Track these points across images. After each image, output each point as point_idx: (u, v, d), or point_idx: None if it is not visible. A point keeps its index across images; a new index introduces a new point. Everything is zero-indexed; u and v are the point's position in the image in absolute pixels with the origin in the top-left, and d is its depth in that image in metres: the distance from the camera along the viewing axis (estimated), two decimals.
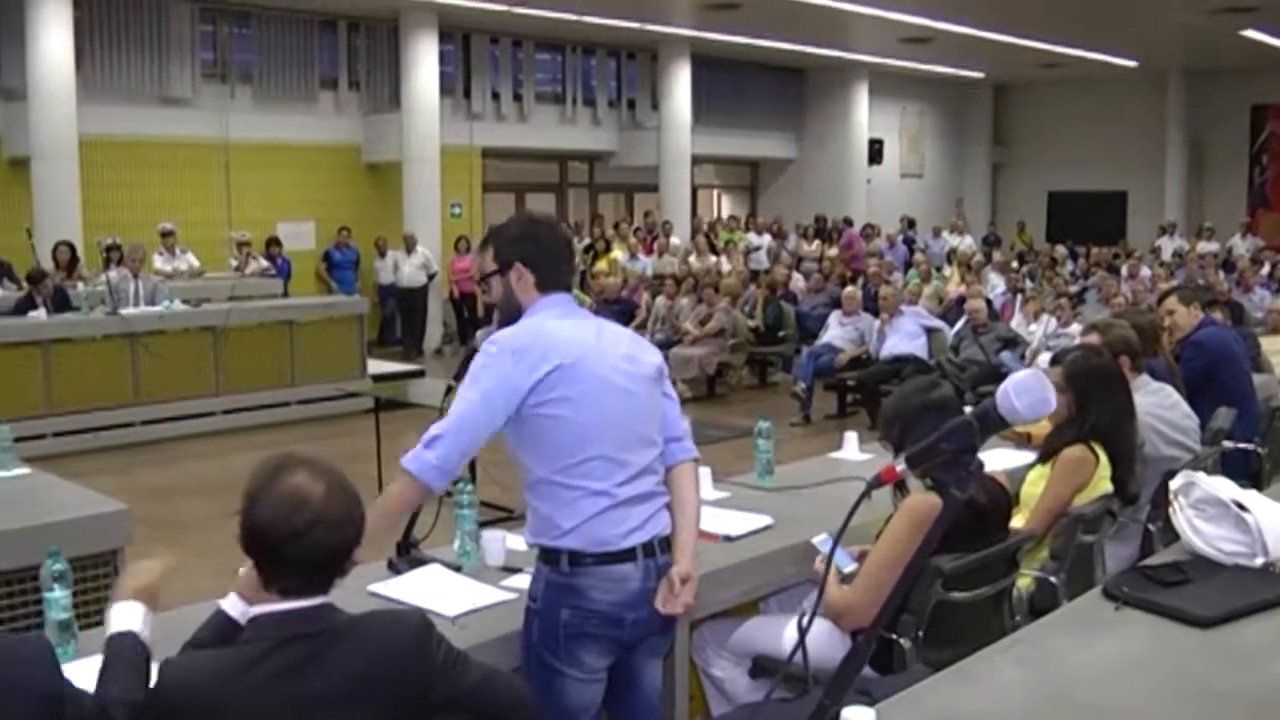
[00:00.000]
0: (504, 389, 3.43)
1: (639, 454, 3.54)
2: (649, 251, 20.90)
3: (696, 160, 24.33)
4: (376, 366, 14.66)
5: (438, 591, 3.89)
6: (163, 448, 12.13)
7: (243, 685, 2.58)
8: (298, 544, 2.61)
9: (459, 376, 3.65)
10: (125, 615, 2.83)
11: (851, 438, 5.96)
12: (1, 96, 16.69)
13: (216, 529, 9.41)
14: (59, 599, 3.53)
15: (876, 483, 2.54)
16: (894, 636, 3.82)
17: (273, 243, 18.13)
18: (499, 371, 3.44)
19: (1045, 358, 10.91)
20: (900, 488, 4.03)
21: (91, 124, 16.27)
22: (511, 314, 3.67)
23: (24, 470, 6.03)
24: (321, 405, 13.44)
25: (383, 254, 19.65)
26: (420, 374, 15.36)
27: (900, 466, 2.55)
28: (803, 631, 2.75)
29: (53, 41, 15.82)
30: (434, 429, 3.47)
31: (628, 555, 3.48)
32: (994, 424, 2.50)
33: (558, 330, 3.52)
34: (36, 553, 4.71)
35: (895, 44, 22.93)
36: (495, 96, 22.04)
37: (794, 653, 2.94)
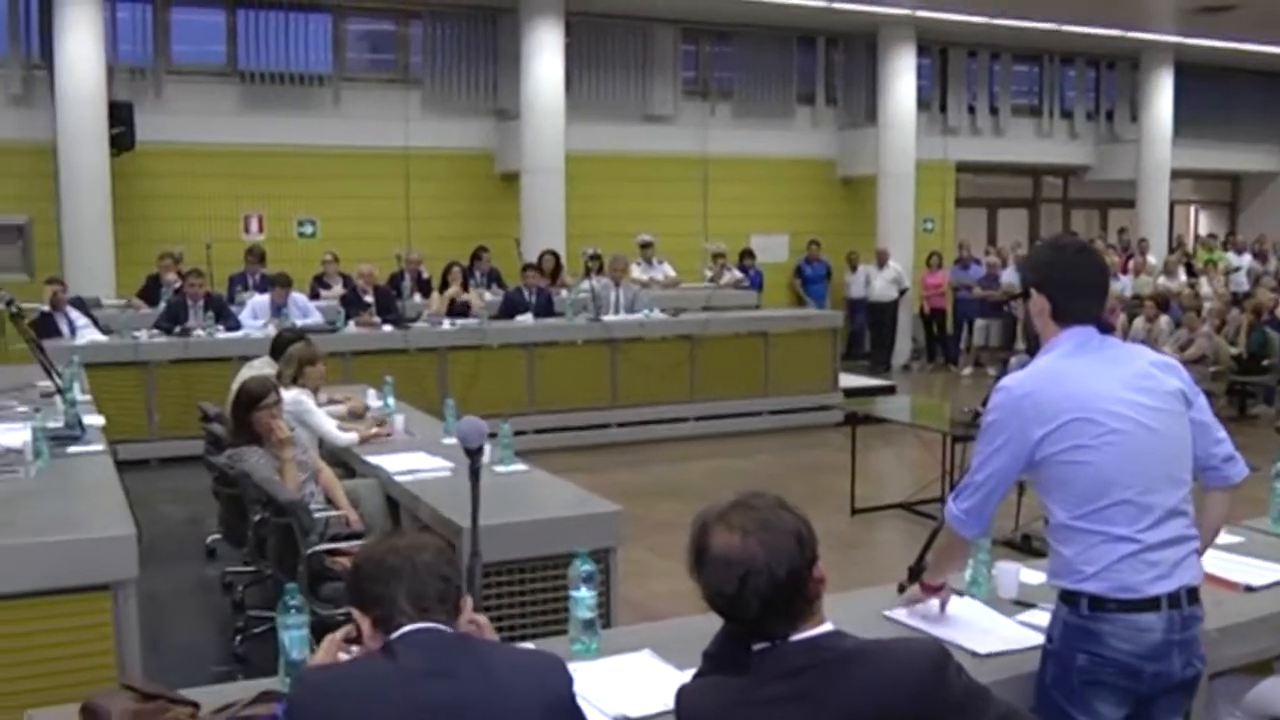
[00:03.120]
0: (1012, 441, 3.32)
1: (1165, 495, 3.28)
2: (1124, 270, 19.95)
3: (1174, 174, 23.02)
4: (846, 380, 14.59)
5: (961, 624, 3.73)
6: (636, 450, 12.50)
7: (746, 716, 2.58)
8: (741, 604, 2.58)
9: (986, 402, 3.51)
10: None
11: None
12: (496, 117, 17.83)
13: (687, 532, 9.60)
14: (585, 599, 3.59)
15: None
16: None
17: (746, 254, 18.44)
18: (1007, 423, 3.34)
19: None
20: None
21: (577, 141, 17.14)
22: (1033, 342, 3.54)
23: (521, 466, 6.26)
24: (792, 416, 13.55)
25: (854, 268, 19.63)
26: (891, 389, 15.19)
27: None
28: None
29: (545, 66, 16.85)
30: (964, 480, 3.44)
31: (1151, 604, 3.24)
32: None
33: (1069, 372, 3.33)
34: (536, 545, 4.86)
35: None
36: (971, 110, 21.67)
37: None
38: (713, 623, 2.82)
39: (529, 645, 3.48)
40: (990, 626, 3.73)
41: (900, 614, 3.77)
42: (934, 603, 3.79)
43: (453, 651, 2.62)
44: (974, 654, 3.45)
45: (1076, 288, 3.43)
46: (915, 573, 3.96)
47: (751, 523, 2.59)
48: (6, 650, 4.43)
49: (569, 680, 2.71)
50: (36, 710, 3.22)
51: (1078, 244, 3.70)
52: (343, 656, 2.85)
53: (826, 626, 2.64)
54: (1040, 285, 3.45)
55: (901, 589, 3.96)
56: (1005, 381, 3.41)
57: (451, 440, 7.20)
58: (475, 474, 3.57)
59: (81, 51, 14.45)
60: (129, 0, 15.95)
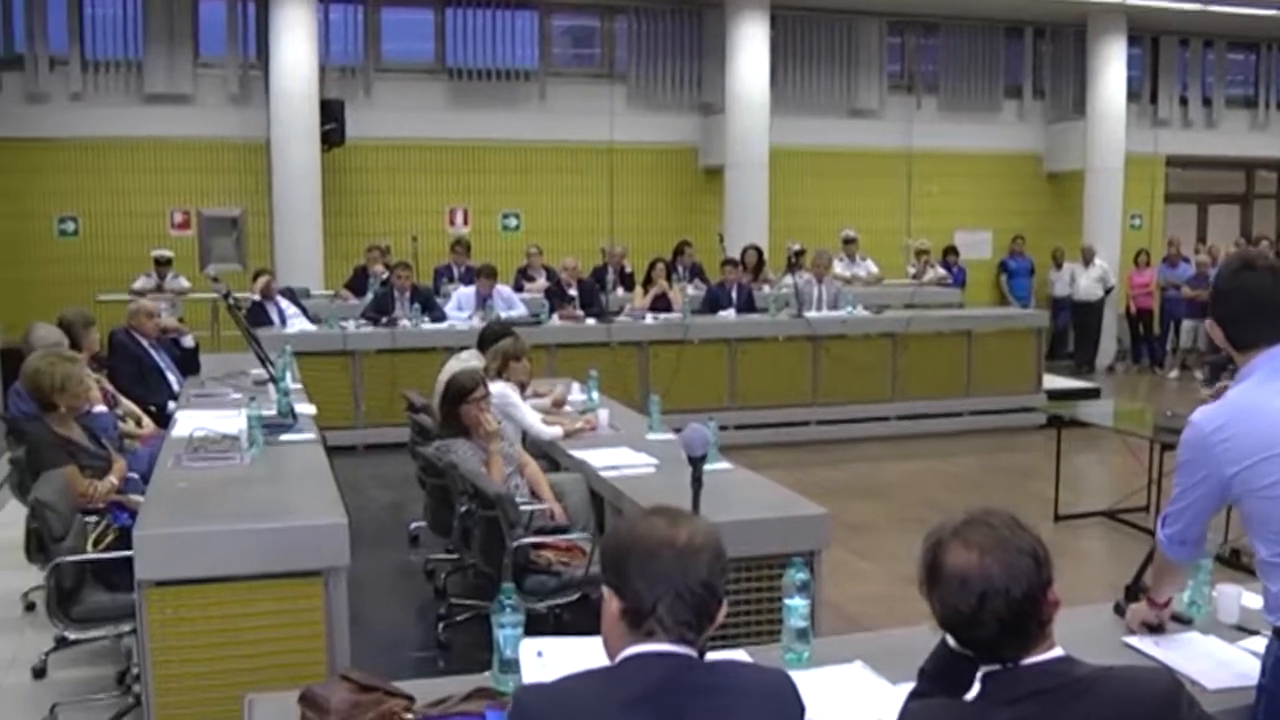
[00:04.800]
0: (1208, 478, 3.16)
1: None
2: None
3: None
4: (1050, 381, 14.22)
5: (1194, 653, 3.57)
6: (835, 448, 12.35)
7: None
8: (977, 625, 2.49)
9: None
10: None
11: None
12: (701, 111, 17.90)
13: (886, 533, 9.48)
14: (799, 608, 3.55)
15: None
16: None
17: (949, 251, 18.17)
18: (1199, 462, 3.17)
19: None
20: None
21: (781, 135, 17.12)
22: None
23: (725, 465, 6.21)
24: (994, 417, 13.28)
25: (1059, 265, 19.20)
26: (1095, 393, 14.76)
27: None
28: None
29: (750, 60, 16.92)
30: (1169, 505, 3.32)
31: None
32: None
33: (1261, 405, 3.11)
34: (742, 546, 4.80)
35: None
36: (1183, 101, 20.92)
37: None
38: (924, 636, 2.76)
39: (745, 656, 3.40)
40: (1226, 659, 3.55)
41: (1134, 640, 3.63)
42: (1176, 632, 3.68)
43: (684, 676, 2.44)
44: (1204, 689, 3.28)
45: (1244, 311, 3.23)
46: (1132, 593, 3.80)
47: (989, 541, 2.50)
48: (225, 630, 4.57)
49: (802, 710, 2.56)
50: (255, 694, 3.28)
51: (1240, 261, 3.39)
52: None
53: (1057, 651, 2.54)
54: (1218, 314, 3.28)
55: (1118, 609, 3.82)
56: (1194, 417, 3.22)
57: (656, 436, 7.21)
58: (697, 481, 3.56)
59: (295, 52, 14.95)
60: (341, 2, 16.40)
